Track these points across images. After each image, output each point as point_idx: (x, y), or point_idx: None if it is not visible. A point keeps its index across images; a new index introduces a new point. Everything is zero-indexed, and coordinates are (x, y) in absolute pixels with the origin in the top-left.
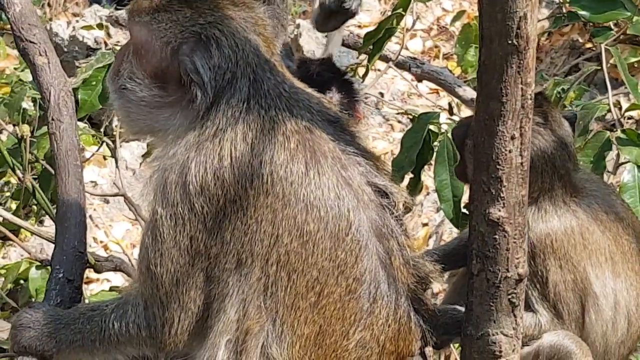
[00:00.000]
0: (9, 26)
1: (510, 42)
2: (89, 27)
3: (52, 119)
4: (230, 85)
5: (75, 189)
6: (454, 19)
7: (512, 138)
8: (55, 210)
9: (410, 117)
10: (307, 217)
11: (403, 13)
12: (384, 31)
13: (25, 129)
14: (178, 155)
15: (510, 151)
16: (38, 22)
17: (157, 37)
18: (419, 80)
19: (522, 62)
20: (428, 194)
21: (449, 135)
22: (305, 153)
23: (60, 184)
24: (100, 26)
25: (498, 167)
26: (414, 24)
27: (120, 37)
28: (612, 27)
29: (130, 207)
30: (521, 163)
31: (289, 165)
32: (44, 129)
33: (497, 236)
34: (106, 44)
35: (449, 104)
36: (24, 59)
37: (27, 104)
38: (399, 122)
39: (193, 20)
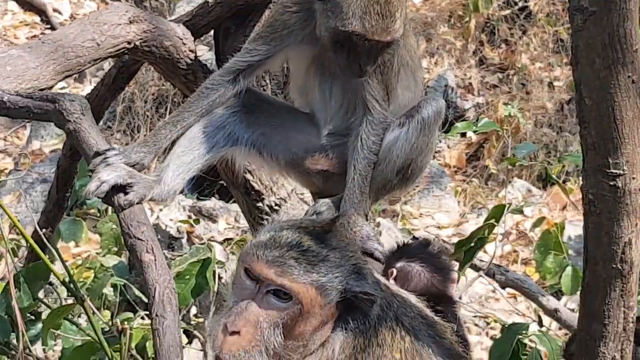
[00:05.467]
0: (92, 210)
1: (614, 266)
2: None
3: (156, 315)
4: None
5: None
6: (534, 225)
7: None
8: None
9: (487, 321)
10: None
11: (495, 223)
12: (475, 240)
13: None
14: None
15: None
16: (147, 220)
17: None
18: (503, 287)
19: (625, 285)
20: None
21: (538, 347)
22: None
23: None
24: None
25: None
26: (504, 236)
27: (202, 227)
28: None
29: None
30: None
31: None
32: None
33: None
34: (189, 235)
35: (539, 316)
36: (132, 255)
37: (107, 289)
38: (476, 325)
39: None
